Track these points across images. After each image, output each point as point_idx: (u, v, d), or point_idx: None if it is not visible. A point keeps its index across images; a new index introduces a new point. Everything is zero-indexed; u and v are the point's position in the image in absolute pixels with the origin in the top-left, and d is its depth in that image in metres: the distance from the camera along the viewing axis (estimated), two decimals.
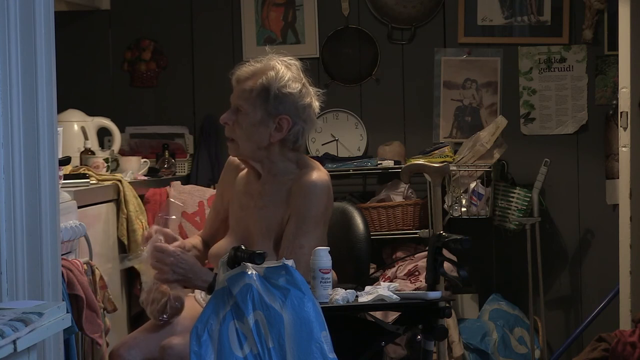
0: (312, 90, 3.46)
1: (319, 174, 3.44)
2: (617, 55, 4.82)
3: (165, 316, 3.47)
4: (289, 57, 3.48)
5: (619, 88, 4.76)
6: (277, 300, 2.82)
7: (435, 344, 4.15)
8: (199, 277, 3.25)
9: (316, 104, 3.46)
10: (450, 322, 4.97)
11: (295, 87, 3.39)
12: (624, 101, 4.71)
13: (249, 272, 2.87)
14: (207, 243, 3.65)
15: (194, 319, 2.94)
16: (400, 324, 3.36)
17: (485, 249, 5.42)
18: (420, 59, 5.50)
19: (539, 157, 5.24)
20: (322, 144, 5.51)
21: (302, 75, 3.45)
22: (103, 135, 5.24)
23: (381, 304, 3.23)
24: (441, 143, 5.36)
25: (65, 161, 4.08)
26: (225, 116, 3.43)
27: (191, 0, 5.63)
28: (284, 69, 3.40)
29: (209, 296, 2.98)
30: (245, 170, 3.55)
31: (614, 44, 5.09)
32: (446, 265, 3.34)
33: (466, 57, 5.47)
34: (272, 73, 3.38)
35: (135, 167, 4.97)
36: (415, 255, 5.04)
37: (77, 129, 5.01)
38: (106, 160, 4.81)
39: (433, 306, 3.25)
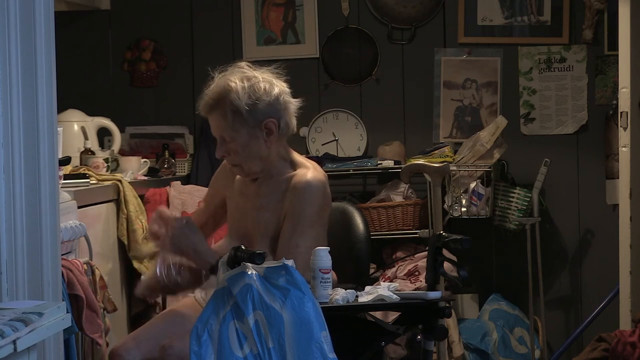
0: (271, 77, 3.44)
1: (314, 173, 3.44)
2: (617, 55, 4.82)
3: (172, 272, 3.39)
4: (234, 66, 3.46)
5: (619, 88, 4.76)
6: (277, 300, 2.83)
7: (435, 344, 4.15)
8: (201, 257, 3.25)
9: (282, 85, 3.45)
10: (450, 322, 4.97)
11: (259, 91, 3.37)
12: (624, 101, 4.71)
13: (249, 272, 2.87)
14: None
15: (194, 319, 2.94)
16: (400, 324, 3.36)
17: (485, 249, 5.42)
18: (420, 59, 5.50)
19: (539, 157, 5.24)
20: (322, 144, 5.51)
21: (254, 72, 3.43)
22: (103, 135, 5.24)
23: (381, 304, 3.23)
24: (441, 143, 5.36)
25: (65, 161, 4.08)
26: (218, 151, 3.45)
27: (191, 0, 5.63)
28: (239, 82, 3.38)
29: (209, 296, 2.98)
30: None
31: (614, 44, 5.08)
32: (446, 265, 3.34)
33: (466, 57, 5.47)
34: (233, 95, 3.36)
35: (135, 167, 4.97)
36: (415, 255, 5.04)
37: (77, 129, 5.01)
38: (106, 160, 4.81)
39: (433, 306, 3.26)
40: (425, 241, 5.12)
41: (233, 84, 3.37)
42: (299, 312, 2.81)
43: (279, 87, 3.42)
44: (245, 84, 3.37)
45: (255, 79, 3.39)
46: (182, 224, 3.28)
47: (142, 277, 3.53)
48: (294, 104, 3.46)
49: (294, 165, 3.47)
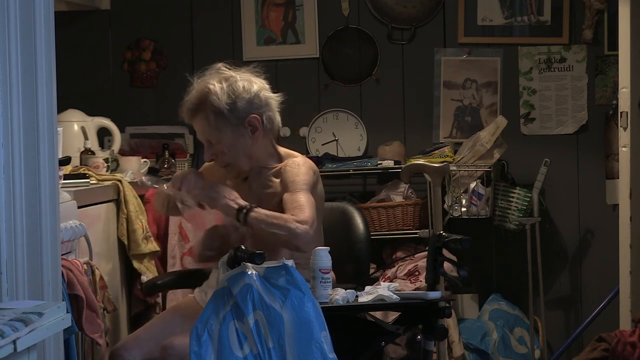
0: (248, 75, 3.48)
1: (304, 158, 3.53)
2: (617, 55, 4.82)
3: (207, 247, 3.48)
4: (211, 69, 3.51)
5: (619, 88, 4.76)
6: (277, 300, 2.83)
7: (435, 344, 4.16)
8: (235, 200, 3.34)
9: (262, 82, 3.49)
10: (450, 322, 4.97)
11: (238, 89, 3.42)
12: (624, 101, 4.71)
13: (249, 272, 2.87)
14: None
15: (194, 319, 2.94)
16: (400, 324, 3.37)
17: (485, 249, 5.42)
18: (420, 59, 5.50)
19: (539, 157, 5.24)
20: (322, 144, 5.51)
21: (232, 72, 3.47)
22: (103, 135, 5.24)
23: (381, 304, 3.24)
24: (441, 143, 5.36)
25: (65, 161, 4.08)
26: (206, 154, 3.51)
27: (191, 0, 5.63)
28: (217, 83, 3.43)
29: (209, 296, 2.98)
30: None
31: (614, 44, 5.08)
32: (446, 265, 3.35)
33: (466, 57, 5.47)
34: (212, 97, 3.41)
35: (135, 167, 4.97)
36: (415, 255, 5.04)
37: (77, 129, 5.01)
38: (106, 160, 4.81)
39: (433, 306, 3.26)
40: (425, 241, 5.12)
41: (211, 86, 3.42)
42: (299, 312, 2.81)
43: (258, 84, 3.46)
44: (224, 85, 3.41)
45: (233, 79, 3.43)
46: (212, 184, 3.40)
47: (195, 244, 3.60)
48: (274, 99, 3.50)
49: (281, 158, 3.51)
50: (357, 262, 3.75)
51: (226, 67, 3.49)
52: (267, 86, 3.50)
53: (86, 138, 4.98)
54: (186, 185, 3.40)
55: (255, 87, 3.44)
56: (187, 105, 3.49)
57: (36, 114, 2.73)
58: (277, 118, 3.51)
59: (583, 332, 5.18)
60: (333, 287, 3.24)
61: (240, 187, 3.52)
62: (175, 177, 3.48)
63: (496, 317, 5.22)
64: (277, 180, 3.47)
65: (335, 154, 5.45)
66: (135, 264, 4.43)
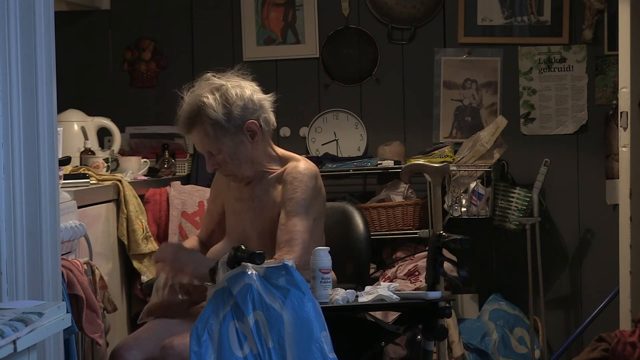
0: (238, 80, 3.48)
1: (306, 164, 3.52)
2: (617, 55, 4.82)
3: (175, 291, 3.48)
4: (200, 80, 3.52)
5: (619, 88, 4.75)
6: (277, 300, 2.83)
7: (435, 344, 4.15)
8: (203, 264, 3.29)
9: (251, 85, 3.50)
10: (450, 322, 4.97)
11: (232, 97, 3.42)
12: (624, 101, 4.70)
13: (249, 272, 2.87)
14: (205, 244, 3.70)
15: (194, 319, 2.94)
16: (400, 324, 3.37)
17: (485, 249, 5.42)
18: (420, 59, 5.50)
19: (539, 157, 5.24)
20: (322, 144, 5.51)
21: (221, 80, 3.47)
22: (103, 135, 5.24)
23: (381, 304, 3.24)
24: (441, 143, 5.36)
25: (65, 161, 4.08)
26: (208, 165, 3.51)
27: (191, 0, 5.63)
28: (210, 95, 3.43)
29: (209, 296, 2.99)
30: None
31: (614, 44, 5.08)
32: (446, 265, 3.35)
33: (466, 57, 5.47)
34: (208, 109, 3.41)
35: (135, 167, 4.97)
36: (415, 255, 5.04)
37: (77, 129, 5.01)
38: (106, 160, 4.81)
39: (433, 306, 3.26)
40: (425, 241, 5.11)
41: (205, 99, 3.42)
42: (299, 312, 2.81)
43: (249, 88, 3.47)
44: (217, 95, 3.42)
45: (225, 87, 3.44)
46: (173, 249, 3.43)
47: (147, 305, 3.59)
48: (267, 99, 3.51)
49: (283, 161, 3.52)
50: (357, 262, 3.75)
51: (214, 76, 3.49)
52: (257, 88, 3.51)
53: (86, 138, 4.98)
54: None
55: (247, 92, 3.45)
56: (182, 120, 3.51)
57: (36, 114, 2.73)
58: (272, 117, 3.52)
59: (583, 332, 5.18)
60: (333, 287, 3.24)
61: (244, 192, 3.54)
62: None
63: (496, 317, 5.22)
64: (279, 187, 3.47)
65: (335, 154, 5.45)
66: (135, 264, 4.44)
